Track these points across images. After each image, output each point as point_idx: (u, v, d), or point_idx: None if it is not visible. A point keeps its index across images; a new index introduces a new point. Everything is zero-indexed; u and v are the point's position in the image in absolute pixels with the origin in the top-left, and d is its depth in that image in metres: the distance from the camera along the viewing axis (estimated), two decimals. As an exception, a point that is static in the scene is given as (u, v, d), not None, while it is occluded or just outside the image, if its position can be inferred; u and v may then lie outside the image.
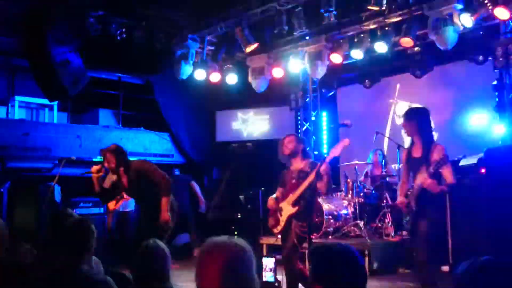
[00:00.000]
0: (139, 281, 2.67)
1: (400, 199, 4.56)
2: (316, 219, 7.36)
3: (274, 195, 5.03)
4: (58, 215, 3.22)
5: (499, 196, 3.71)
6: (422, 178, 4.12)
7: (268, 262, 2.64)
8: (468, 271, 1.71)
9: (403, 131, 9.09)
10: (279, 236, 6.14)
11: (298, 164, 4.91)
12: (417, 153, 4.36)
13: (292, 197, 4.76)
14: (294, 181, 4.83)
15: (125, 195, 6.19)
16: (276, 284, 2.91)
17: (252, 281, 1.90)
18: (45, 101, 9.66)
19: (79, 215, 7.08)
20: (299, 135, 10.31)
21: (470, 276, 1.70)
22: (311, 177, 4.58)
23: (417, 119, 4.46)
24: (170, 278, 2.67)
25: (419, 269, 4.22)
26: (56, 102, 9.72)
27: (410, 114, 4.57)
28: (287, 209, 4.78)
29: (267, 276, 2.67)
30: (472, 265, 1.71)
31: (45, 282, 2.55)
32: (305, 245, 4.70)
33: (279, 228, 4.87)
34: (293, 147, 4.89)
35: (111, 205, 6.58)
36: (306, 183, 4.64)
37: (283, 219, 4.80)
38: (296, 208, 4.70)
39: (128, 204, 6.70)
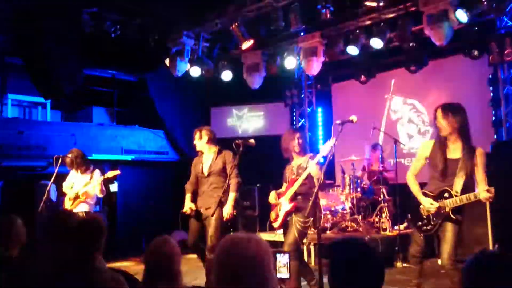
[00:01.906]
0: (148, 278, 2.64)
1: (428, 200, 4.04)
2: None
3: (279, 190, 5.07)
4: (65, 214, 3.21)
5: (502, 191, 3.68)
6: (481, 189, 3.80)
7: (282, 258, 2.65)
8: (476, 264, 1.73)
9: (399, 126, 9.19)
10: (278, 231, 6.19)
11: (298, 159, 4.96)
12: (454, 153, 4.00)
13: (289, 193, 4.83)
14: (293, 176, 4.89)
15: (81, 196, 6.45)
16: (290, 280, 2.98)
17: (270, 278, 1.89)
18: (38, 99, 9.58)
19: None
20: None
21: (478, 269, 1.71)
22: (306, 173, 4.66)
23: (462, 116, 4.00)
24: (179, 276, 2.63)
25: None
26: (49, 100, 9.64)
27: (455, 109, 4.04)
28: (285, 204, 4.85)
29: (281, 272, 2.67)
30: (479, 258, 1.73)
31: (58, 279, 2.54)
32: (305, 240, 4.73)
33: (278, 223, 4.91)
34: (303, 144, 4.92)
35: (68, 205, 6.51)
36: (300, 180, 4.71)
37: (281, 214, 4.89)
38: (293, 204, 4.77)
39: (86, 205, 6.55)
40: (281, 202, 4.90)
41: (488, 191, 3.76)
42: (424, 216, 4.05)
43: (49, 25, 6.82)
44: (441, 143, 4.07)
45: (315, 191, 4.02)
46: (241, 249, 1.88)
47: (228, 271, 1.87)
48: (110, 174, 6.61)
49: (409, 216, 4.26)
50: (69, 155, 6.57)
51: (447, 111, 4.01)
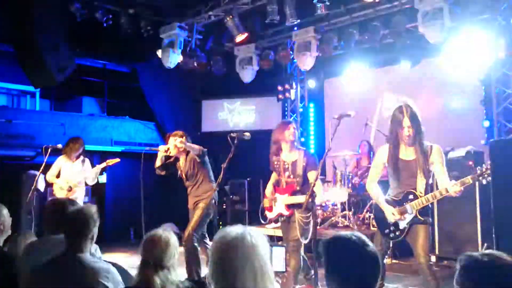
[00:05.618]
0: (141, 268, 2.58)
1: (390, 210, 3.96)
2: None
3: (272, 182, 4.94)
4: (57, 202, 3.15)
5: (500, 189, 3.64)
6: (449, 185, 3.74)
7: (278, 252, 2.63)
8: (472, 264, 1.72)
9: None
10: (268, 226, 6.15)
11: (290, 153, 4.75)
12: (409, 154, 3.97)
13: (288, 200, 4.67)
14: (289, 175, 4.70)
15: (78, 184, 6.65)
16: (286, 273, 2.93)
17: (267, 272, 1.87)
18: (26, 88, 9.45)
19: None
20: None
21: (474, 270, 1.70)
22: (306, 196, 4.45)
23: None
24: (173, 268, 2.58)
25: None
26: (38, 89, 9.51)
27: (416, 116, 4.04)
28: (281, 207, 4.72)
29: (277, 265, 2.65)
30: (475, 258, 1.71)
31: (47, 269, 2.49)
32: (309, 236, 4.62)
33: (272, 216, 4.84)
34: (295, 136, 4.76)
35: (62, 194, 6.56)
36: (302, 199, 4.43)
37: (276, 210, 4.78)
38: (290, 212, 4.65)
39: (78, 195, 6.65)
40: (277, 198, 4.77)
41: (456, 185, 3.71)
42: (391, 223, 3.98)
43: (40, 12, 6.70)
44: (395, 146, 4.05)
45: (311, 188, 3.96)
46: (237, 241, 1.86)
47: (224, 263, 1.85)
48: (111, 162, 6.81)
49: (375, 224, 4.18)
50: (73, 142, 6.61)
51: (410, 112, 4.05)
